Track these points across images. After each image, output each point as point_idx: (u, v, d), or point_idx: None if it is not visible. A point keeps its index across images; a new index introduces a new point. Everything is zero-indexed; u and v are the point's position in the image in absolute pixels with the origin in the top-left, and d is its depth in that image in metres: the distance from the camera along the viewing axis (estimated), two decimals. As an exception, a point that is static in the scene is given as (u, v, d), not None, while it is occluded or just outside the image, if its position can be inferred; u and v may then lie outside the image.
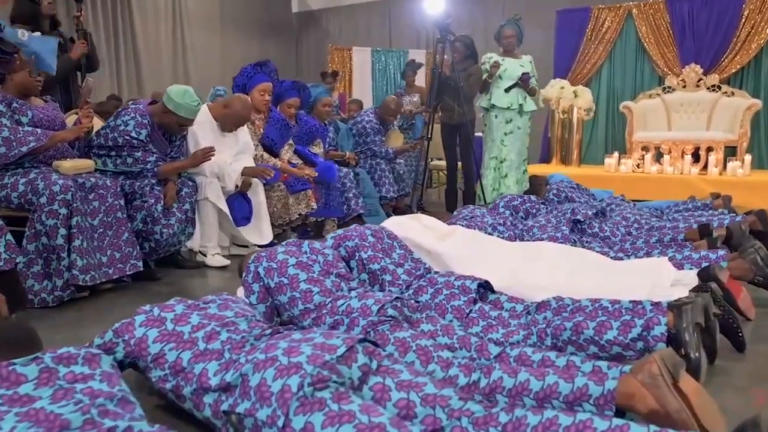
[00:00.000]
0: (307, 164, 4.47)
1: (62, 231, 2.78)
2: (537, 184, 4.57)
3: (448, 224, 3.16)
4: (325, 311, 2.01)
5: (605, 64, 8.32)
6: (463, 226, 3.18)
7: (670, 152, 6.73)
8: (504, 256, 2.73)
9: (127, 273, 3.09)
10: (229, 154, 3.79)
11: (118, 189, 3.13)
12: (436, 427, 1.39)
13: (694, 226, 3.36)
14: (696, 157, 6.64)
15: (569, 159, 7.61)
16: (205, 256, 3.69)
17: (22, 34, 3.50)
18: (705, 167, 6.49)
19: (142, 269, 3.16)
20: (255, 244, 3.78)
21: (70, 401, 1.30)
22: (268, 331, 1.73)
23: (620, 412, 1.46)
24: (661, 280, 2.43)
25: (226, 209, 3.67)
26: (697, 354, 1.70)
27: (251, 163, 3.89)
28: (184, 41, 9.91)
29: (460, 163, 5.49)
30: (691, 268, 2.65)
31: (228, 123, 3.80)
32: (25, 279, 2.77)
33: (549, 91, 7.45)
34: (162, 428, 1.29)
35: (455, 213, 3.67)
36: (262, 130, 4.25)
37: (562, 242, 3.08)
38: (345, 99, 8.26)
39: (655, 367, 1.43)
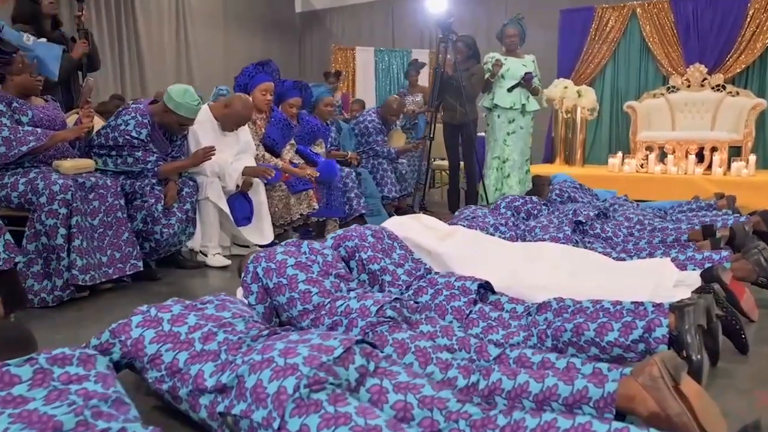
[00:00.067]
0: (309, 164, 4.45)
1: (62, 231, 2.77)
2: (540, 184, 4.54)
3: (450, 224, 3.14)
4: (323, 312, 1.99)
5: (609, 63, 8.29)
6: (464, 226, 3.16)
7: (674, 152, 6.71)
8: (505, 256, 2.72)
9: (127, 273, 3.08)
10: (230, 154, 3.78)
11: (119, 189, 3.12)
12: (433, 429, 1.38)
13: (697, 226, 3.33)
14: (700, 157, 6.61)
15: (573, 159, 7.58)
16: (206, 256, 3.68)
17: (27, 39, 3.51)
18: (709, 167, 6.46)
19: (142, 269, 3.15)
20: (256, 244, 3.77)
21: (64, 402, 1.29)
22: (265, 332, 1.72)
23: (620, 415, 1.45)
24: (663, 281, 2.41)
25: (226, 209, 3.66)
26: (699, 356, 1.68)
27: (252, 163, 3.88)
28: (188, 41, 9.91)
29: (462, 163, 5.47)
30: (694, 269, 2.63)
31: (229, 122, 3.79)
32: (24, 279, 2.76)
33: (552, 91, 7.42)
34: (156, 430, 1.28)
35: (457, 213, 3.66)
36: (263, 130, 4.24)
37: (564, 243, 3.07)
38: (348, 99, 8.25)
39: (655, 369, 1.42)
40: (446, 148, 5.47)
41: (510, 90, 5.06)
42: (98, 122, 3.59)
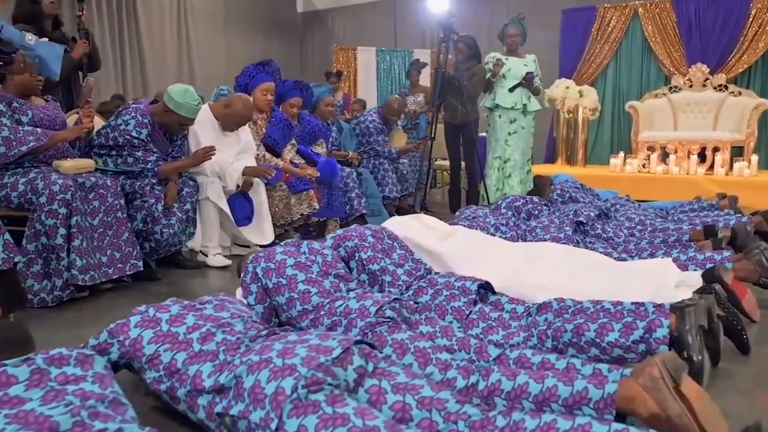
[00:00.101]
0: (310, 164, 4.45)
1: (62, 231, 2.77)
2: (541, 184, 4.54)
3: (450, 224, 3.13)
4: (323, 312, 1.98)
5: (611, 63, 8.27)
6: (465, 226, 3.15)
7: (676, 152, 6.69)
8: (506, 256, 2.71)
9: (127, 273, 3.07)
10: (231, 154, 3.78)
11: (119, 189, 3.12)
12: (432, 430, 1.37)
13: (699, 227, 3.32)
14: (702, 157, 6.59)
15: (574, 159, 7.57)
16: (206, 256, 3.68)
17: (30, 38, 3.51)
18: (711, 167, 6.45)
19: (142, 269, 3.15)
20: (256, 244, 3.76)
21: (61, 403, 1.28)
22: (263, 333, 1.72)
23: (621, 416, 1.44)
24: (665, 281, 2.40)
25: (227, 209, 3.66)
26: (699, 357, 1.68)
27: (252, 163, 3.88)
28: (189, 41, 9.92)
29: (463, 163, 5.46)
30: (695, 269, 2.62)
31: (229, 122, 3.79)
32: (24, 279, 2.76)
33: (554, 91, 7.41)
34: (153, 431, 1.27)
35: (457, 213, 3.65)
36: (264, 130, 4.24)
37: (565, 243, 3.06)
38: (349, 99, 8.24)
39: (656, 370, 1.41)
40: (447, 148, 5.46)
41: (511, 90, 5.05)
42: (98, 122, 3.59)
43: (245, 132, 3.95)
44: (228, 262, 3.67)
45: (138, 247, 3.16)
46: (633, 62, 8.15)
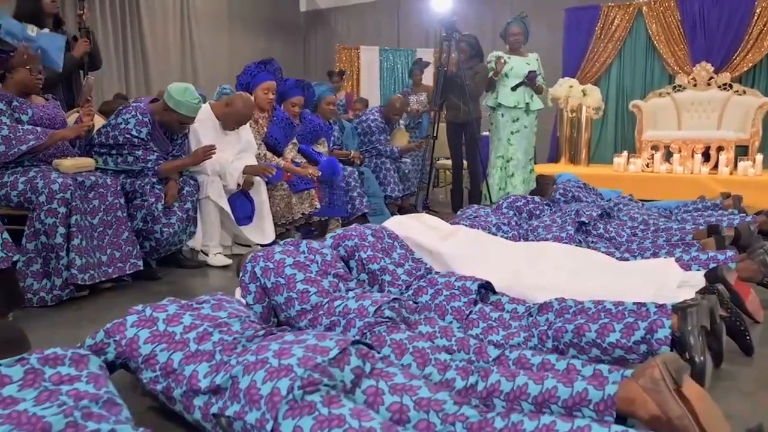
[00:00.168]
0: (311, 163, 4.43)
1: (61, 230, 2.76)
2: (544, 184, 4.52)
3: (451, 224, 3.12)
4: (321, 312, 1.97)
5: (615, 62, 8.22)
6: (466, 225, 3.14)
7: (680, 151, 6.65)
8: (507, 256, 2.69)
9: (127, 272, 3.07)
10: (231, 153, 3.76)
11: (119, 188, 3.11)
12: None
13: (702, 226, 3.30)
14: (706, 156, 6.55)
15: (578, 158, 7.54)
16: (207, 255, 3.67)
17: (32, 30, 3.50)
18: (715, 167, 6.41)
19: (142, 268, 3.14)
20: (257, 244, 3.75)
21: (54, 403, 1.27)
22: (261, 333, 1.70)
23: (621, 418, 1.42)
24: (667, 281, 2.38)
25: (227, 208, 3.65)
26: (702, 358, 1.66)
27: (253, 162, 3.87)
28: (192, 41, 9.92)
29: (465, 162, 5.44)
30: (698, 269, 2.60)
31: (230, 121, 3.78)
32: (24, 278, 2.76)
33: (558, 90, 7.38)
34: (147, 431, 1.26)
35: (459, 213, 3.63)
36: (265, 129, 4.23)
37: (567, 242, 3.04)
38: (352, 98, 8.23)
39: (657, 371, 1.39)
40: (449, 147, 5.44)
41: (514, 89, 5.03)
42: (99, 121, 3.59)
43: (246, 131, 3.94)
44: (229, 261, 3.66)
45: (138, 247, 3.15)
46: (637, 61, 8.10)
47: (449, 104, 5.21)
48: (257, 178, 3.83)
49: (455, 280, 2.23)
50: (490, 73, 5.06)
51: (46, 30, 3.69)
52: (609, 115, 8.24)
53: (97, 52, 4.18)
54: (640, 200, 4.51)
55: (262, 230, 3.83)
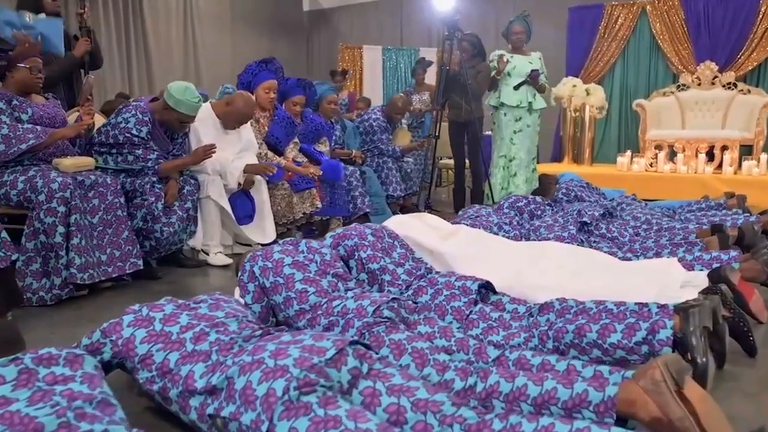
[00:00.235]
0: (313, 162, 4.42)
1: (60, 229, 2.76)
2: (546, 183, 4.49)
3: (452, 223, 3.10)
4: (320, 312, 1.95)
5: (618, 61, 8.21)
6: (468, 225, 3.11)
7: (684, 151, 6.62)
8: (508, 255, 2.67)
9: (127, 271, 3.06)
10: (232, 152, 3.75)
11: (119, 187, 3.10)
12: (426, 433, 1.33)
13: (706, 226, 3.27)
14: (710, 156, 6.52)
15: (581, 158, 7.51)
16: (208, 254, 3.66)
17: (29, 17, 3.50)
18: (720, 166, 6.38)
19: (142, 268, 3.13)
20: (258, 243, 3.74)
21: (47, 404, 1.26)
22: (258, 333, 1.69)
23: (621, 420, 1.40)
24: (670, 281, 2.36)
25: (228, 207, 3.63)
26: (704, 359, 1.63)
27: (254, 161, 3.85)
28: (195, 41, 9.91)
29: (468, 162, 5.42)
30: (701, 269, 2.58)
31: (230, 120, 3.77)
32: (23, 277, 2.75)
33: (561, 89, 7.36)
34: (140, 432, 1.25)
35: (460, 212, 3.61)
36: (266, 128, 4.22)
37: (569, 242, 3.02)
38: (354, 98, 8.21)
39: (657, 372, 1.37)
40: (452, 146, 5.42)
41: (516, 88, 5.01)
42: (99, 120, 3.58)
43: (247, 130, 3.93)
44: (229, 260, 3.65)
45: (138, 246, 3.14)
46: (641, 60, 8.08)
47: (451, 103, 5.18)
48: (258, 177, 3.81)
49: (455, 280, 2.21)
50: (493, 72, 5.04)
51: (42, 15, 3.68)
52: (612, 115, 8.22)
53: (98, 51, 4.17)
54: (644, 200, 4.49)
55: (262, 229, 3.82)
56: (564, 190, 4.22)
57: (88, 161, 3.10)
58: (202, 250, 3.68)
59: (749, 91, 6.99)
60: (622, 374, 1.49)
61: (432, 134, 5.29)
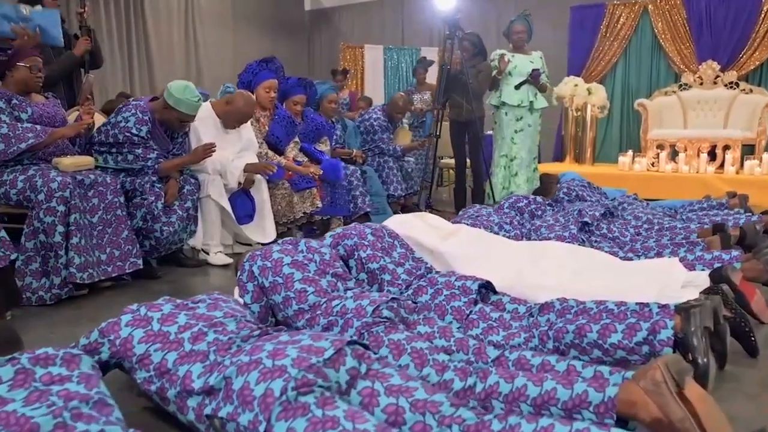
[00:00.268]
0: (313, 162, 4.41)
1: (60, 228, 2.75)
2: (548, 183, 4.48)
3: (453, 223, 3.09)
4: (319, 312, 1.95)
5: (620, 61, 8.18)
6: (468, 224, 3.10)
7: (685, 150, 6.60)
8: (509, 255, 2.66)
9: (127, 271, 3.05)
10: (232, 152, 3.74)
11: (118, 186, 3.10)
12: (425, 434, 1.33)
13: (707, 226, 3.26)
14: (712, 155, 6.50)
15: (583, 157, 7.49)
16: (208, 254, 3.66)
17: (25, 9, 3.50)
18: (722, 166, 6.36)
19: (141, 267, 3.13)
20: (258, 242, 3.73)
21: (44, 404, 1.25)
22: (256, 332, 1.68)
23: (622, 421, 1.39)
24: (671, 281, 2.35)
25: (228, 207, 3.63)
26: (705, 359, 1.62)
27: (254, 160, 3.85)
28: (197, 40, 9.90)
29: (469, 161, 5.41)
30: (703, 269, 2.57)
31: (231, 120, 3.76)
32: (23, 276, 2.75)
33: (562, 89, 7.34)
34: (136, 433, 1.24)
35: (461, 212, 3.60)
36: (267, 128, 4.21)
37: (569, 241, 3.01)
38: (355, 97, 8.20)
39: (658, 373, 1.36)
40: (452, 146, 5.40)
41: (517, 87, 4.99)
42: (100, 119, 3.57)
43: (247, 129, 3.92)
44: (229, 260, 3.64)
45: (138, 245, 3.13)
46: (642, 59, 8.06)
47: (452, 103, 5.17)
48: (258, 177, 3.81)
49: (455, 280, 2.20)
50: (494, 72, 5.02)
51: (39, 7, 3.68)
52: (614, 114, 8.20)
53: (98, 51, 4.16)
54: (646, 200, 4.47)
55: (263, 229, 3.81)
56: (565, 190, 4.21)
57: (87, 160, 3.10)
58: (202, 250, 3.68)
59: (751, 91, 6.97)
60: (622, 375, 1.48)
61: (433, 134, 5.28)
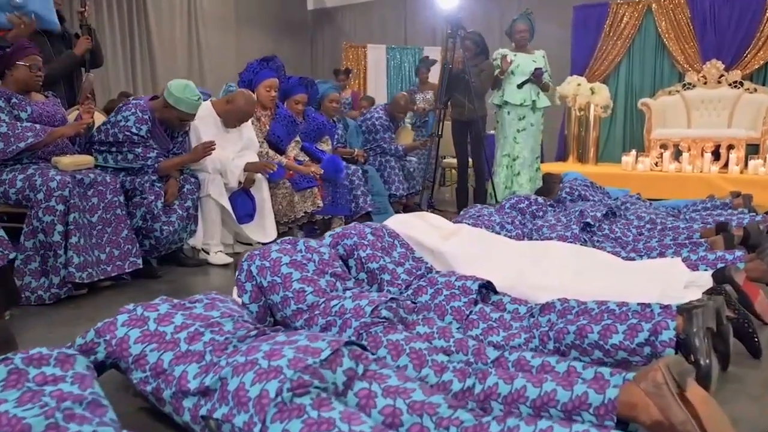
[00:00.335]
0: (315, 161, 4.39)
1: (59, 228, 2.74)
2: (550, 182, 4.46)
3: (454, 223, 3.07)
4: (317, 312, 1.93)
5: (623, 60, 8.14)
6: (469, 224, 3.08)
7: (689, 150, 6.56)
8: (510, 255, 2.64)
9: (126, 270, 3.04)
10: (232, 151, 3.73)
11: (118, 185, 3.09)
12: (422, 436, 1.31)
13: (711, 225, 3.23)
14: (716, 155, 6.46)
15: (586, 157, 7.46)
16: (208, 253, 3.65)
17: None
18: (725, 165, 6.32)
19: (141, 267, 3.12)
20: (258, 242, 3.72)
21: (36, 404, 1.24)
22: (253, 333, 1.67)
23: (622, 423, 1.37)
24: (673, 281, 2.32)
25: (228, 206, 3.62)
26: (707, 361, 1.60)
27: (254, 159, 3.83)
28: (199, 40, 9.90)
29: (471, 161, 5.39)
30: (706, 269, 2.54)
31: (231, 119, 3.75)
32: (22, 276, 2.74)
33: (566, 88, 7.31)
34: (130, 434, 1.23)
35: (462, 212, 3.58)
36: (268, 127, 4.19)
37: (571, 241, 2.98)
38: (358, 97, 8.19)
39: (659, 375, 1.34)
40: (455, 145, 5.38)
41: (520, 86, 4.98)
42: (100, 118, 3.57)
43: (247, 128, 3.91)
44: (230, 259, 3.63)
45: (137, 245, 3.12)
46: (646, 59, 8.01)
47: (454, 102, 5.15)
48: (259, 176, 3.79)
49: (455, 280, 2.18)
50: (496, 72, 5.00)
51: None
52: (617, 114, 8.17)
53: (98, 50, 4.15)
54: (649, 199, 4.45)
55: (263, 228, 3.80)
56: (568, 190, 4.18)
57: (87, 160, 3.09)
58: (203, 249, 3.67)
59: (755, 90, 6.93)
60: (623, 376, 1.46)
61: (435, 133, 5.26)
